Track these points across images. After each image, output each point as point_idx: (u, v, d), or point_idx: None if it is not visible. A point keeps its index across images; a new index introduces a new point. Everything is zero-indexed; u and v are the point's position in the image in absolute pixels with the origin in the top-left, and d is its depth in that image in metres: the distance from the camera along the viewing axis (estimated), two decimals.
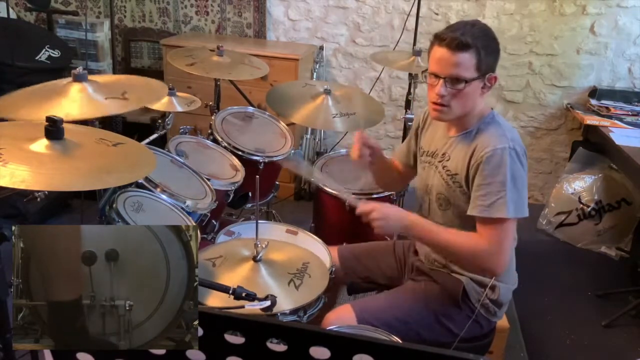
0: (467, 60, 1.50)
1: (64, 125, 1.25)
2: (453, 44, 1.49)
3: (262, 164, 2.35)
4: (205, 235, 2.01)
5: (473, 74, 1.51)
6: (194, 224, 1.87)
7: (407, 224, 1.58)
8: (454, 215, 1.64)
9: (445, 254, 1.67)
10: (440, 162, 1.67)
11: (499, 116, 1.63)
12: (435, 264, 1.74)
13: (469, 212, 1.55)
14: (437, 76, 1.54)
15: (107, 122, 3.23)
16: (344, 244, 1.99)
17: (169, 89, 2.32)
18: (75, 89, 1.54)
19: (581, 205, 3.36)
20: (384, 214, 1.56)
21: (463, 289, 1.66)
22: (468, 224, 1.59)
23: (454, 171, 1.61)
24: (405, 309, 1.68)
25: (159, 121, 2.25)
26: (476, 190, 1.53)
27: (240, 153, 2.32)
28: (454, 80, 1.51)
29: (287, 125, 2.59)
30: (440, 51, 1.52)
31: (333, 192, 1.70)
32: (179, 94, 2.35)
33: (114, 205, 1.64)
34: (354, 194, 2.24)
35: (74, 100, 1.51)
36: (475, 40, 1.49)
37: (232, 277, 1.45)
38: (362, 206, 1.59)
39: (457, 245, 1.56)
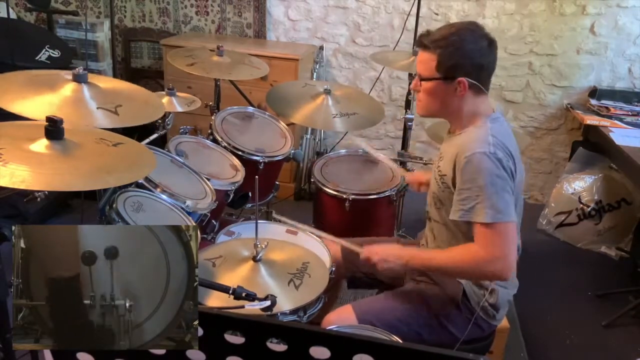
0: (426, 60, 1.58)
1: (64, 125, 1.25)
2: (418, 43, 1.61)
3: (262, 164, 2.35)
4: (205, 235, 2.01)
5: (431, 74, 1.58)
6: (194, 224, 1.87)
7: (404, 261, 1.63)
8: (447, 215, 1.64)
9: (451, 275, 1.67)
10: (436, 161, 1.72)
11: (496, 119, 1.61)
12: None
13: (450, 217, 1.56)
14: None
15: None
16: (349, 238, 1.98)
17: (169, 89, 2.33)
18: (72, 89, 1.51)
19: (581, 205, 3.36)
20: (382, 257, 1.64)
21: (463, 291, 1.67)
22: (460, 225, 1.59)
23: (444, 172, 1.63)
24: (406, 310, 1.68)
25: (159, 121, 2.25)
26: (456, 194, 1.54)
27: (240, 153, 2.32)
28: (419, 76, 1.62)
29: (287, 125, 2.59)
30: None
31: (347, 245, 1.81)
32: (179, 94, 2.35)
33: (114, 205, 1.64)
34: (353, 194, 2.25)
35: (65, 102, 1.47)
36: (435, 43, 1.55)
37: (232, 277, 1.45)
38: (364, 254, 1.68)
39: (457, 264, 1.57)
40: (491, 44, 1.57)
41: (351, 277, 1.96)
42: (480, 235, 1.52)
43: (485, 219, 1.48)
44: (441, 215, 1.68)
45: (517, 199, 1.59)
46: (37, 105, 1.42)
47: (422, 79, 1.61)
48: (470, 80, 1.55)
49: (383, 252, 1.65)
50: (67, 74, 1.55)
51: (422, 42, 1.59)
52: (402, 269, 1.66)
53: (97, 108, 1.50)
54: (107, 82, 1.65)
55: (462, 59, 1.54)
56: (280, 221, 1.95)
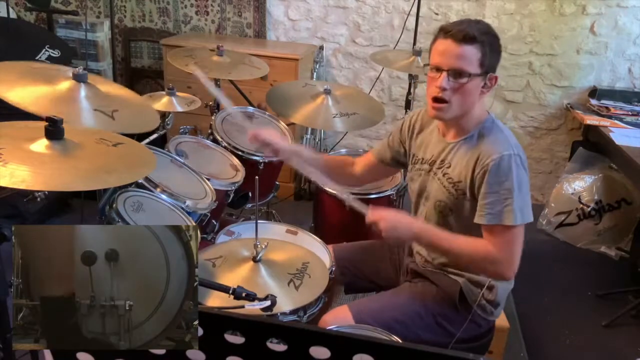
0: (472, 54, 1.46)
1: (64, 125, 1.25)
2: (459, 35, 1.46)
3: (262, 164, 2.35)
4: (205, 235, 2.01)
5: (476, 69, 1.48)
6: (194, 224, 1.87)
7: (415, 232, 1.56)
8: (455, 222, 1.62)
9: (457, 261, 1.64)
10: (439, 169, 1.63)
11: (497, 120, 1.61)
12: (429, 266, 1.73)
13: (475, 220, 1.52)
14: (439, 69, 1.50)
15: None
16: (341, 243, 1.98)
17: (169, 89, 2.33)
18: (69, 87, 1.52)
19: (581, 205, 3.36)
20: (392, 223, 1.53)
21: (460, 290, 1.65)
22: (469, 230, 1.57)
23: (457, 179, 1.57)
24: (403, 310, 1.67)
25: (159, 121, 2.25)
26: (482, 198, 1.50)
27: (240, 153, 2.32)
28: (457, 74, 1.48)
29: (287, 125, 2.59)
30: (444, 43, 1.49)
31: (338, 194, 1.69)
32: (179, 94, 2.35)
33: (114, 205, 1.64)
34: (353, 193, 2.24)
35: (60, 98, 1.48)
36: (482, 35, 1.47)
37: (232, 278, 1.45)
38: (371, 215, 1.55)
39: (469, 252, 1.54)
40: None
41: (348, 282, 1.95)
42: (496, 236, 1.50)
43: (513, 222, 1.47)
44: (448, 222, 1.63)
45: None
46: (31, 96, 1.41)
47: (467, 75, 1.47)
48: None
49: (392, 218, 1.54)
50: (68, 70, 1.55)
51: (469, 34, 1.44)
52: (410, 240, 1.59)
53: (95, 110, 1.50)
54: (105, 85, 1.66)
55: (496, 54, 1.52)
56: None
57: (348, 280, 1.92)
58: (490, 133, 1.56)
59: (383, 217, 1.53)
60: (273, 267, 1.52)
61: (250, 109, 2.65)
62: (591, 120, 3.25)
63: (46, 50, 3.26)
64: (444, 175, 1.61)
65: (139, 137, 1.90)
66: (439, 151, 1.65)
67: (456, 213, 1.61)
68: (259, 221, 1.57)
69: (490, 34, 1.51)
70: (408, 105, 2.81)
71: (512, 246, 1.50)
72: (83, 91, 1.53)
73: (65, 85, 1.51)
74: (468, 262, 1.59)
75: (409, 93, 2.80)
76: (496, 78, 1.54)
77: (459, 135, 1.61)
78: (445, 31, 1.49)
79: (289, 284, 1.48)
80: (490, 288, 1.64)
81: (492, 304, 1.67)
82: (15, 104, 1.37)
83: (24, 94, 1.41)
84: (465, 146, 1.58)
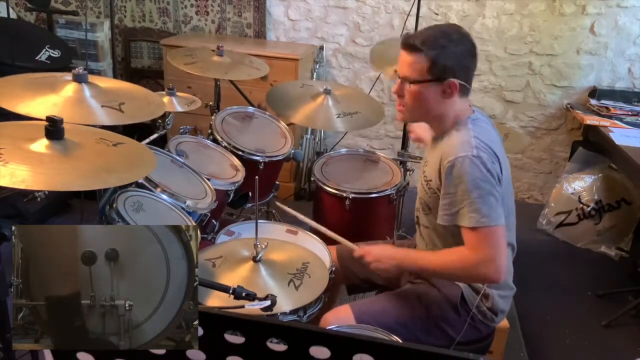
0: (417, 62, 1.53)
1: (64, 125, 1.25)
2: (405, 45, 1.55)
3: (262, 164, 2.35)
4: (205, 235, 2.01)
5: (422, 77, 1.53)
6: (194, 224, 1.87)
7: (397, 262, 1.64)
8: (436, 219, 1.62)
9: (442, 277, 1.67)
10: (422, 167, 1.72)
11: (477, 120, 1.59)
12: None
13: (437, 221, 1.56)
14: (399, 77, 1.61)
15: None
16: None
17: (169, 89, 2.33)
18: (73, 89, 1.52)
19: (581, 205, 3.36)
20: (376, 257, 1.66)
21: (461, 294, 1.66)
22: (446, 229, 1.58)
23: (429, 177, 1.62)
24: (404, 312, 1.67)
25: (159, 121, 2.25)
26: (442, 199, 1.54)
27: (240, 153, 2.32)
28: (405, 80, 1.57)
29: (287, 125, 2.59)
30: (401, 52, 1.59)
31: (337, 238, 1.81)
32: (179, 94, 2.35)
33: (114, 205, 1.64)
34: (353, 193, 2.25)
35: (68, 102, 1.48)
36: (425, 44, 1.50)
37: (232, 278, 1.45)
38: (358, 252, 1.70)
39: (447, 266, 1.56)
40: (474, 46, 1.57)
41: (350, 283, 1.95)
42: (467, 239, 1.51)
43: (469, 224, 1.47)
44: (430, 220, 1.67)
45: (506, 198, 1.55)
46: (40, 106, 1.42)
47: (411, 82, 1.55)
48: (460, 81, 1.54)
49: (376, 252, 1.67)
50: (67, 75, 1.55)
51: (410, 43, 1.53)
52: (395, 269, 1.66)
53: (102, 106, 1.51)
54: (106, 82, 1.66)
55: (452, 60, 1.52)
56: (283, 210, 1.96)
57: (350, 281, 1.93)
58: (455, 134, 1.57)
59: (368, 252, 1.67)
60: (273, 267, 1.52)
61: (250, 109, 2.65)
62: (591, 120, 3.25)
63: (46, 50, 3.26)
64: (423, 172, 1.69)
65: (139, 137, 1.91)
66: (427, 149, 1.74)
67: (434, 212, 1.62)
68: (259, 221, 1.57)
69: (444, 41, 1.51)
70: None
71: (486, 247, 1.48)
72: (87, 91, 1.53)
73: (69, 89, 1.52)
74: (452, 276, 1.62)
75: None
76: (455, 84, 1.54)
77: (437, 135, 1.66)
78: (401, 40, 1.59)
79: (289, 284, 1.48)
80: (486, 296, 1.64)
81: (492, 311, 1.67)
82: (28, 115, 1.38)
83: (34, 105, 1.42)
84: (436, 146, 1.63)
